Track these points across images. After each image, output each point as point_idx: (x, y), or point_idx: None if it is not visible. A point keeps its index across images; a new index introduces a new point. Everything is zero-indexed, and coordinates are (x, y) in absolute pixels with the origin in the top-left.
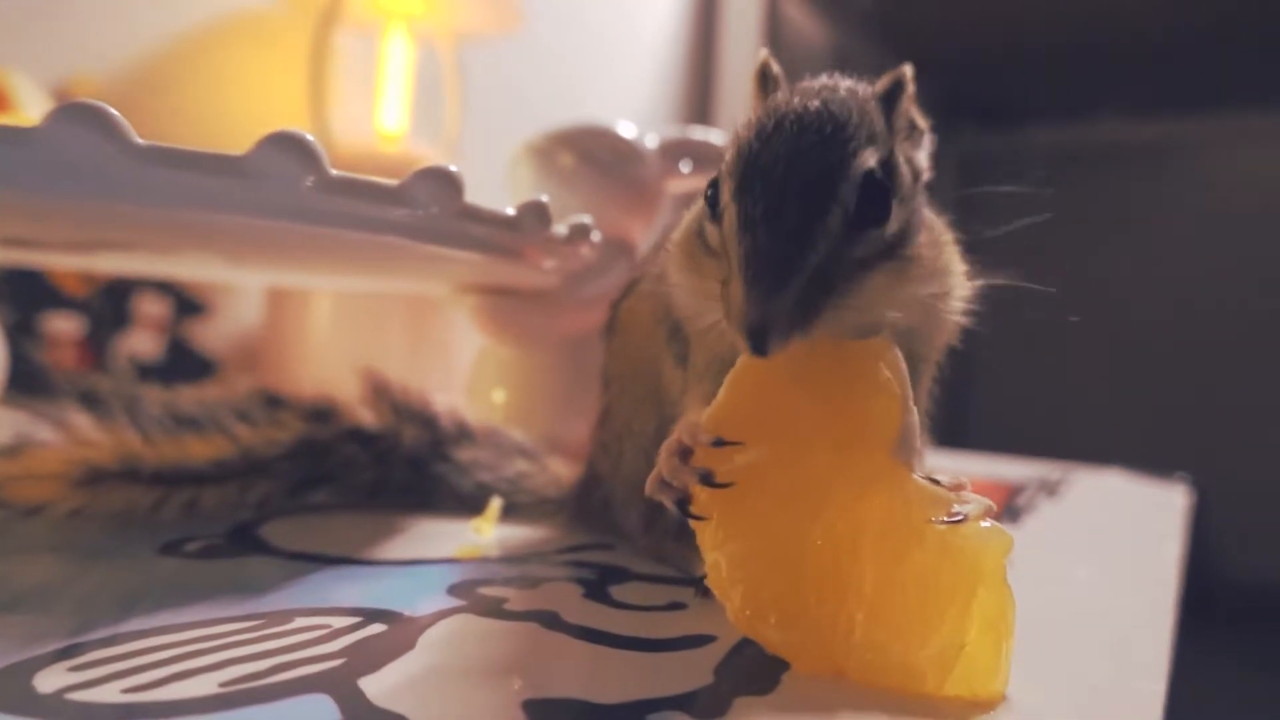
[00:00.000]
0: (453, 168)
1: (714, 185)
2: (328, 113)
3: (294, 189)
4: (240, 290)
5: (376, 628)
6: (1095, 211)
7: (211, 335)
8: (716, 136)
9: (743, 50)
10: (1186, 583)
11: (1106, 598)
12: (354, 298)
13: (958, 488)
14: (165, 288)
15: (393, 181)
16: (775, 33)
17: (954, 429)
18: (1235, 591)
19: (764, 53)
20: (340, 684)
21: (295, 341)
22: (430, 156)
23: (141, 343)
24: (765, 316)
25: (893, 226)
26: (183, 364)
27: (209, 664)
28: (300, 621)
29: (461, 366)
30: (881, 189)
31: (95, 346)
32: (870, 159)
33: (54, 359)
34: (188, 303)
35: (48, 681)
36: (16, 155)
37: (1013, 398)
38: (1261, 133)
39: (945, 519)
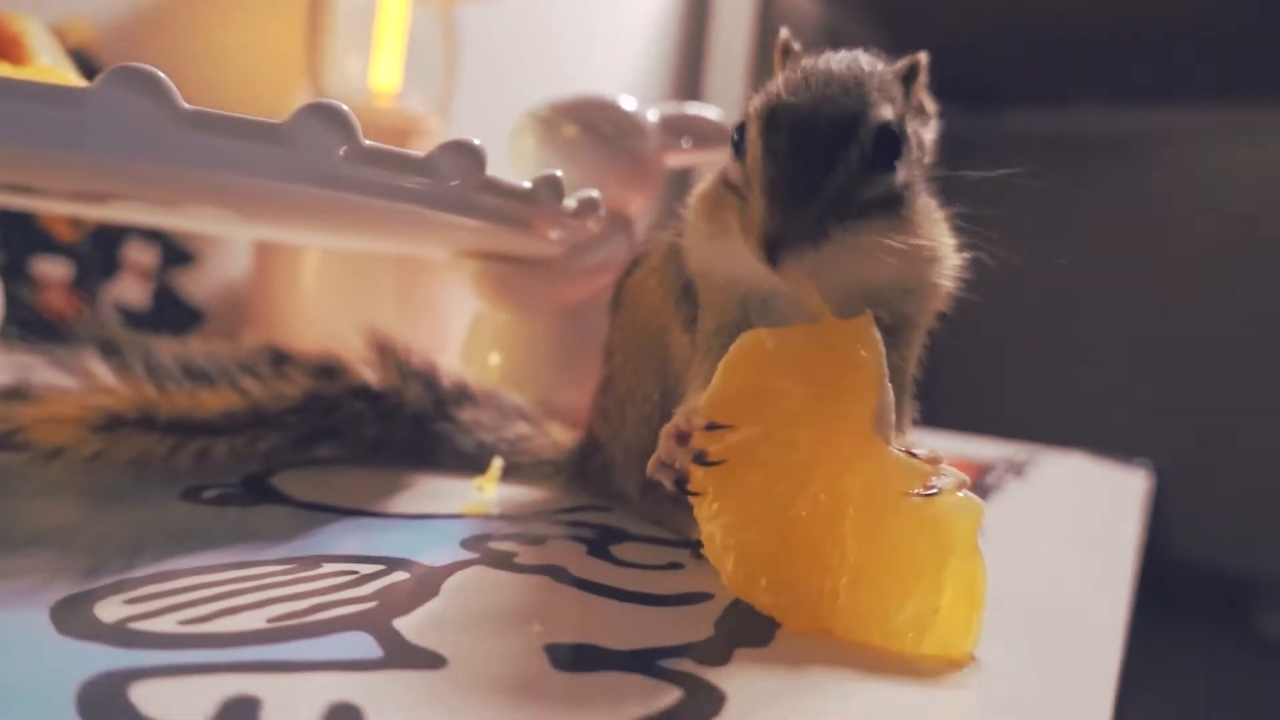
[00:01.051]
0: (476, 142)
1: (740, 128)
2: (322, 69)
3: (329, 157)
4: (229, 241)
5: (400, 575)
6: (1068, 197)
7: (198, 285)
8: (714, 113)
9: (736, 24)
10: (1143, 562)
11: (1069, 571)
12: (343, 254)
13: (934, 461)
14: (154, 236)
15: (420, 153)
16: (768, 8)
17: (925, 408)
18: (1187, 572)
19: (785, 31)
20: (377, 623)
21: (283, 295)
22: (424, 117)
23: (129, 290)
24: (782, 228)
25: (900, 178)
26: (169, 313)
27: (252, 602)
28: (328, 567)
29: (448, 327)
30: (894, 140)
31: (84, 292)
32: (887, 111)
33: (43, 303)
34: (176, 251)
35: (108, 612)
36: (69, 117)
37: (981, 380)
38: (1237, 126)
39: (921, 491)
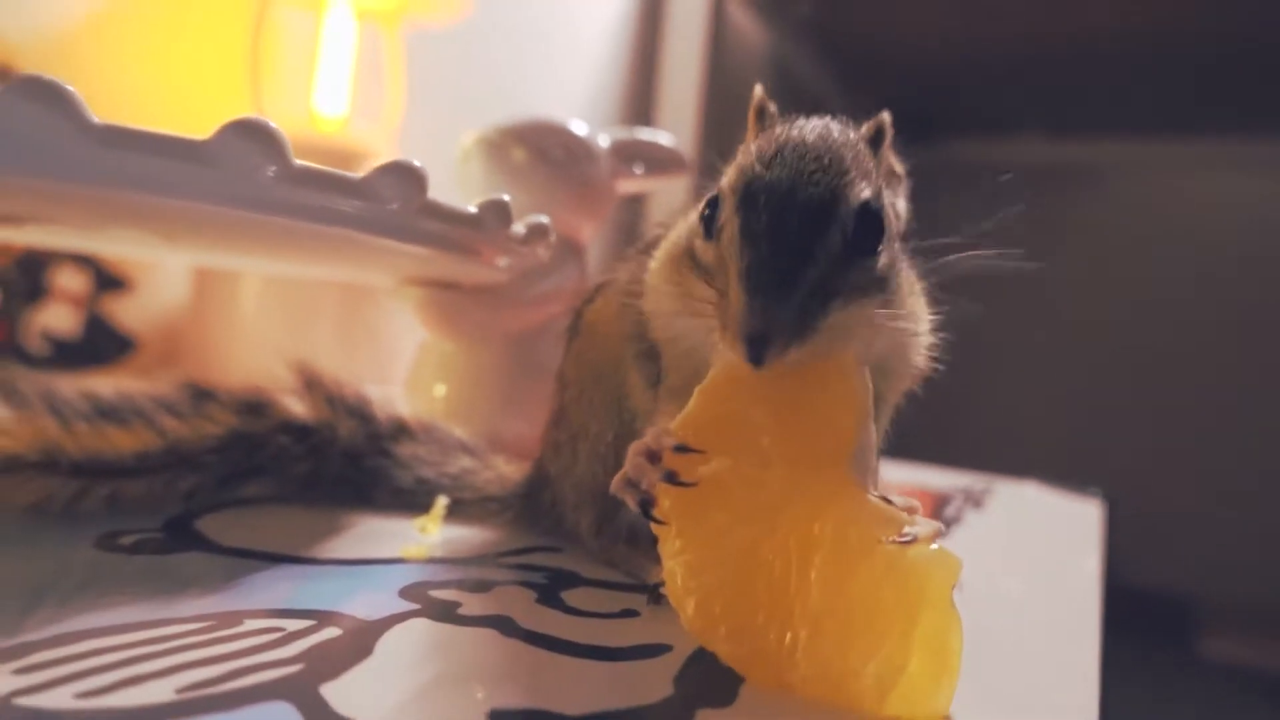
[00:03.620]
0: (417, 163)
1: (711, 204)
2: (266, 91)
3: (255, 178)
4: (164, 268)
5: (331, 631)
6: (1014, 228)
7: (132, 312)
8: (666, 138)
9: (686, 51)
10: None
11: (1036, 610)
12: (283, 281)
13: (910, 510)
14: (84, 261)
15: (356, 175)
16: (719, 35)
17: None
18: (1131, 596)
19: (759, 90)
20: (302, 692)
21: (220, 323)
22: (371, 141)
23: (57, 318)
24: (766, 326)
25: (882, 259)
26: (101, 342)
27: (162, 668)
28: (251, 624)
29: (392, 356)
30: (876, 220)
31: (7, 320)
32: (866, 191)
33: None
34: (108, 278)
35: None
36: None
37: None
38: (1182, 159)
39: (895, 539)
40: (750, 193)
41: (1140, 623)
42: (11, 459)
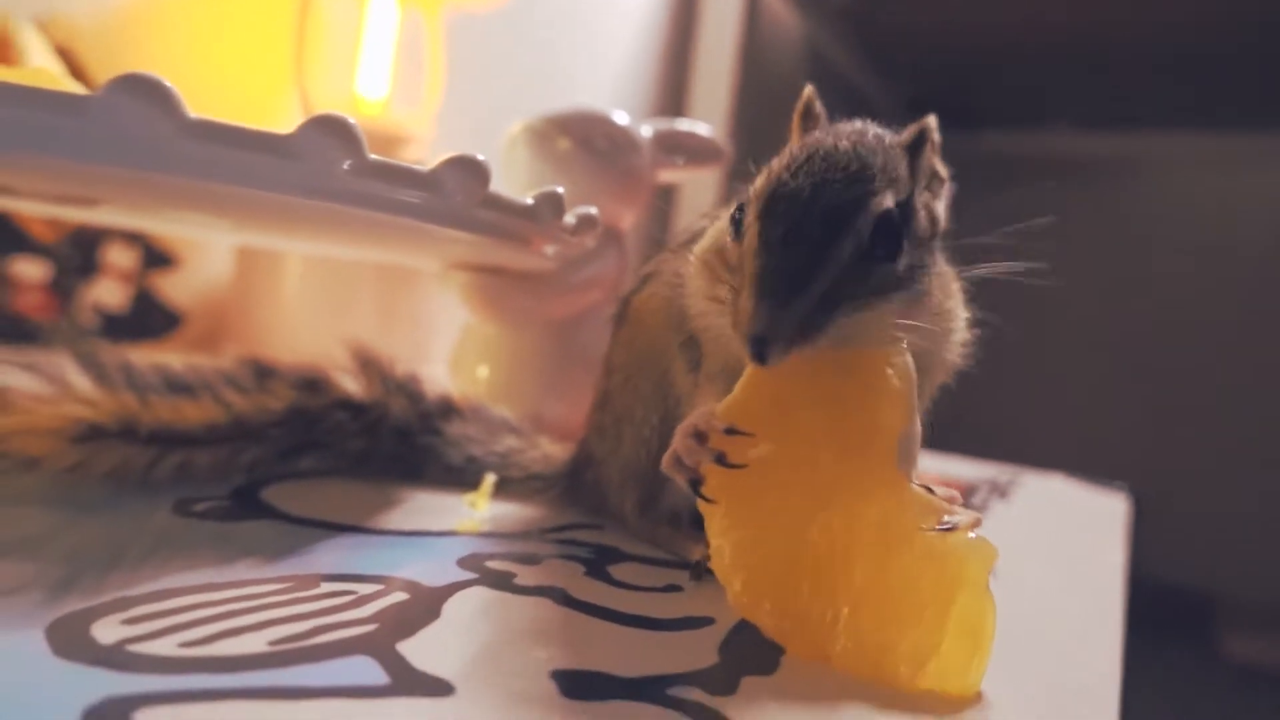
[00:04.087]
0: (481, 157)
1: (741, 208)
2: (310, 75)
3: (333, 171)
4: (210, 245)
5: (399, 595)
6: (1044, 221)
7: (178, 289)
8: (706, 129)
9: (720, 39)
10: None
11: (1061, 601)
12: (325, 260)
13: (951, 500)
14: (134, 238)
15: (425, 168)
16: (753, 24)
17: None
18: (1154, 593)
19: (809, 89)
20: (381, 647)
21: (264, 301)
22: (410, 126)
23: (108, 293)
24: (768, 327)
25: (903, 264)
26: (148, 317)
27: (253, 623)
28: (326, 586)
29: (430, 336)
30: (896, 228)
31: (61, 293)
32: (888, 200)
33: (19, 304)
34: (156, 254)
35: (106, 633)
36: (72, 125)
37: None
38: (1215, 152)
39: (936, 527)
40: (772, 200)
41: (1163, 620)
42: (94, 428)
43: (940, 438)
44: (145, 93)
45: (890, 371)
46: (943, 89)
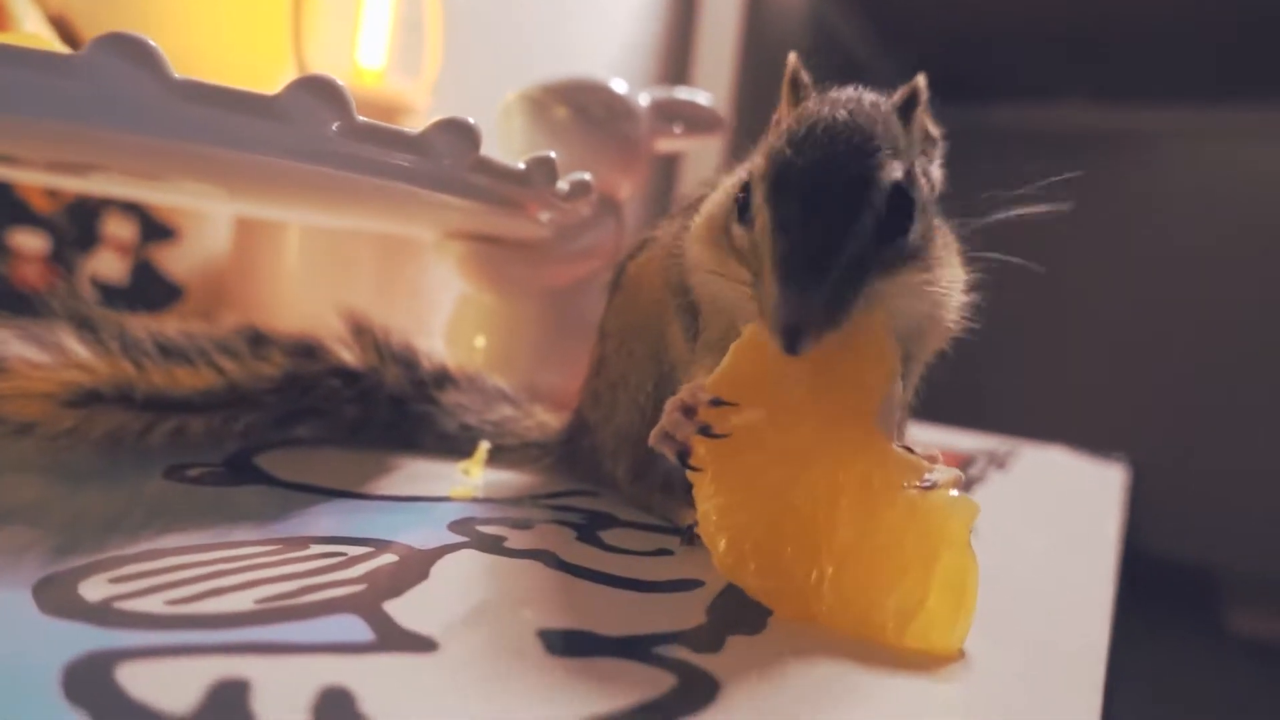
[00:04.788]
0: (471, 120)
1: (745, 189)
2: (307, 43)
3: (321, 132)
4: (209, 217)
5: (388, 557)
6: (1051, 193)
7: (178, 261)
8: (705, 98)
9: (723, 9)
10: (1123, 555)
11: (1054, 566)
12: (324, 231)
13: (931, 459)
14: (133, 209)
15: (414, 130)
16: None
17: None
18: (1159, 567)
19: (794, 58)
20: (368, 606)
21: (263, 272)
22: (409, 95)
23: (107, 264)
24: (800, 316)
25: (914, 236)
26: (148, 288)
27: (240, 582)
28: (316, 548)
29: (430, 307)
30: (907, 199)
31: (60, 265)
32: (897, 170)
33: (18, 275)
34: (155, 226)
35: (93, 590)
36: (57, 85)
37: (959, 372)
38: (1225, 126)
39: (917, 485)
40: (781, 180)
41: (1168, 595)
42: (90, 393)
43: (940, 410)
44: (130, 52)
45: (873, 342)
46: (951, 62)
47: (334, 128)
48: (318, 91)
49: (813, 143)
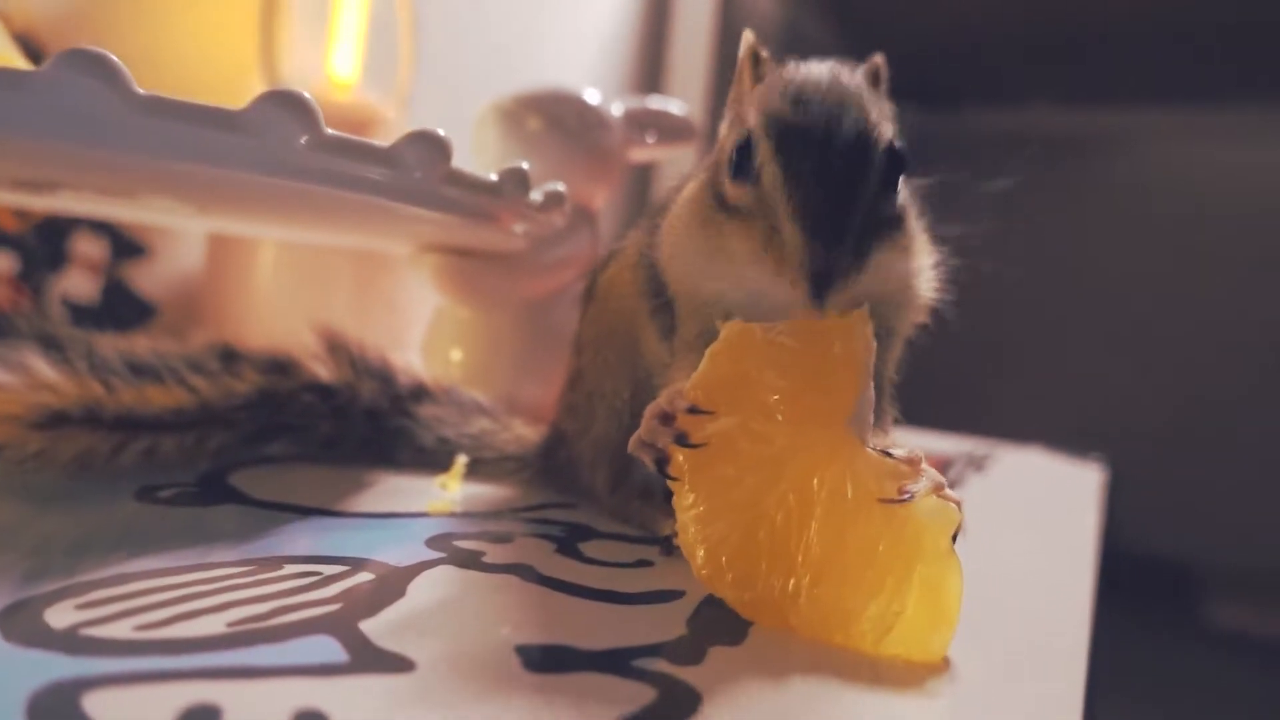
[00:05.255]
0: (442, 133)
1: (743, 148)
2: (278, 57)
3: (289, 146)
4: (182, 234)
5: (364, 575)
6: (1023, 196)
7: (150, 279)
8: (678, 107)
9: (696, 20)
10: (1101, 553)
11: (1033, 570)
12: (299, 247)
13: (913, 463)
14: (103, 228)
15: (384, 143)
16: (729, 4)
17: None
18: (1137, 563)
19: (749, 35)
20: (342, 626)
21: (237, 290)
22: (382, 107)
23: (77, 284)
24: (826, 264)
25: (901, 196)
26: (120, 308)
27: (212, 605)
28: (290, 568)
29: (407, 322)
30: (899, 157)
31: (30, 285)
32: (889, 130)
33: None
34: (126, 244)
35: (59, 618)
36: (16, 100)
37: (936, 374)
38: (1193, 127)
39: (893, 497)
40: (787, 135)
41: (1146, 589)
42: (58, 414)
43: (918, 412)
44: (91, 67)
45: (847, 342)
46: (922, 68)
47: (302, 141)
48: (285, 105)
49: (810, 102)
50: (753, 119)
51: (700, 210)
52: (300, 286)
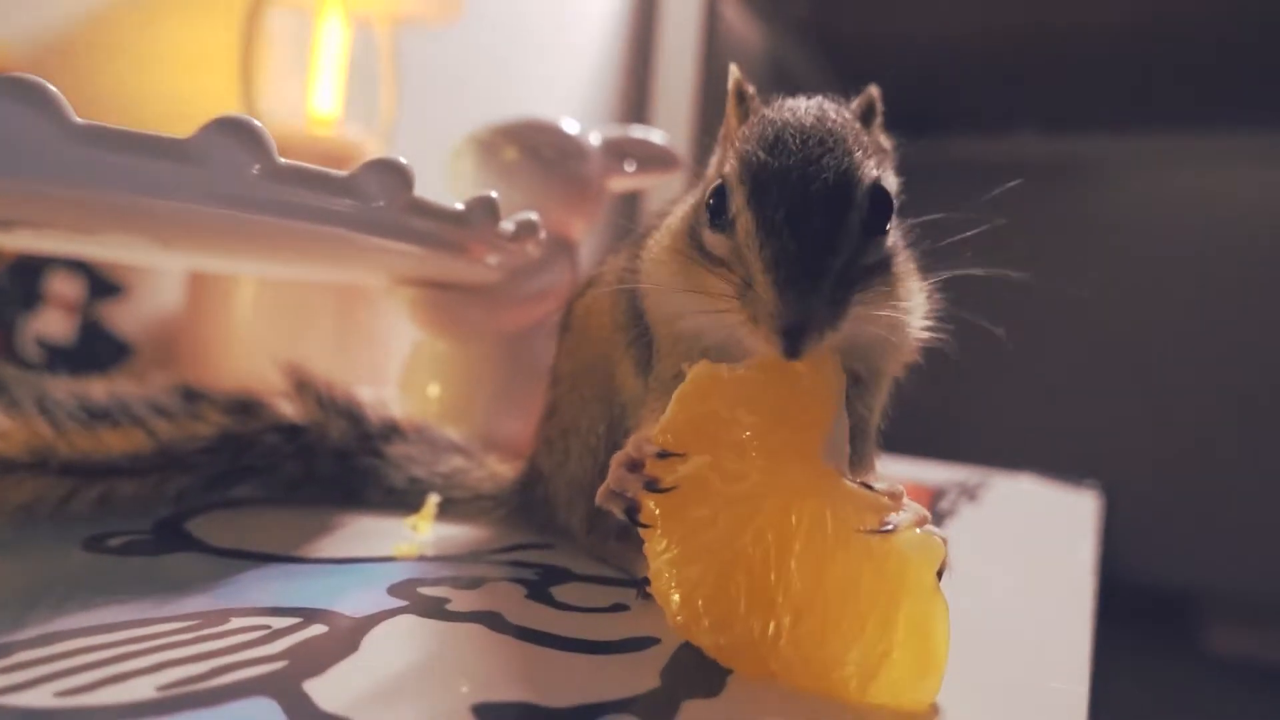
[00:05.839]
0: (403, 160)
1: (717, 195)
2: (258, 93)
3: (240, 176)
4: (159, 272)
5: (317, 628)
6: (1009, 224)
7: (127, 318)
8: (657, 136)
9: (680, 51)
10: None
11: (1029, 600)
12: (279, 284)
13: (894, 496)
14: (79, 266)
15: (341, 172)
16: (713, 35)
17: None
18: (1134, 590)
19: (735, 70)
20: (284, 687)
21: (216, 328)
22: (364, 143)
23: (52, 324)
24: (801, 316)
25: (890, 238)
26: (96, 347)
27: (145, 666)
28: (237, 622)
29: (388, 358)
30: (886, 198)
31: (2, 327)
32: (874, 169)
33: None
34: (102, 283)
35: None
36: None
37: (926, 402)
38: (1177, 153)
39: (874, 529)
40: (761, 182)
41: (1144, 616)
42: (3, 461)
43: (910, 441)
44: (25, 96)
45: (816, 374)
46: (906, 97)
47: (254, 170)
48: (234, 133)
49: (787, 145)
50: (729, 164)
51: (681, 247)
52: (279, 323)
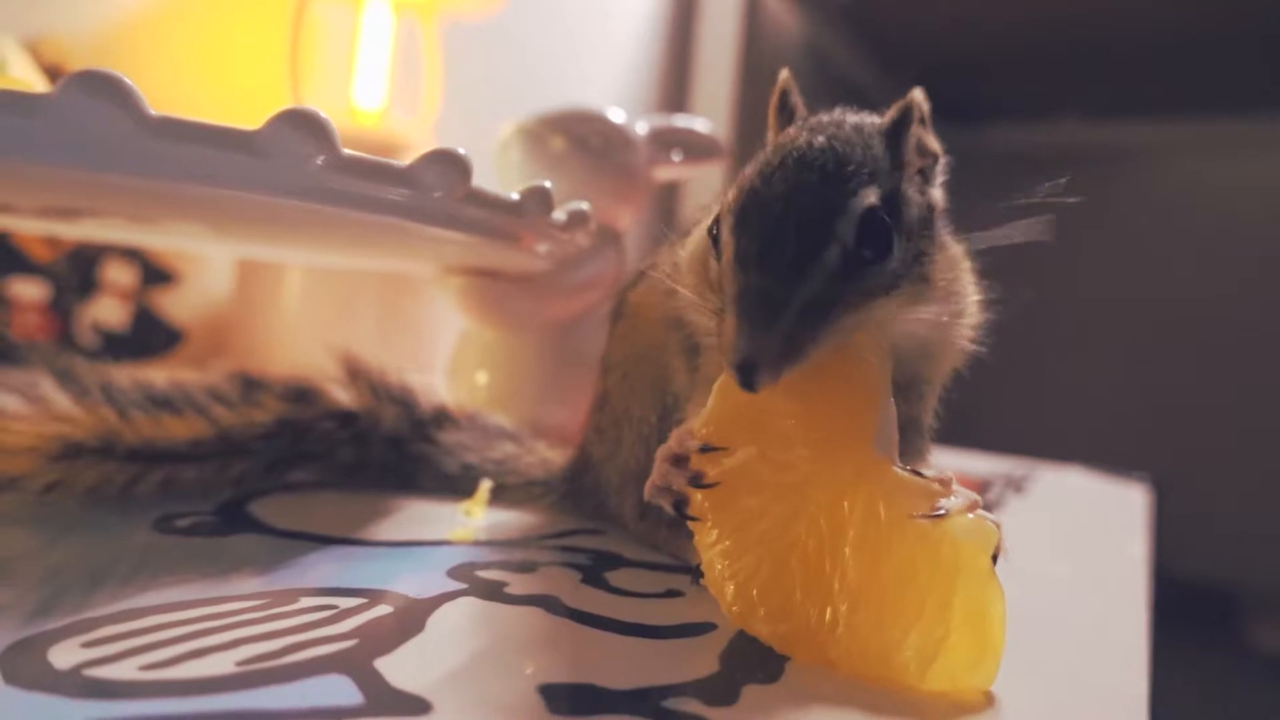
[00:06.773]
0: (461, 151)
1: (717, 221)
2: (305, 85)
3: (305, 167)
4: (210, 260)
5: (383, 609)
6: (1058, 212)
7: (179, 305)
8: (703, 124)
9: (721, 39)
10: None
11: (1082, 595)
12: (326, 272)
13: (944, 482)
14: (133, 255)
15: (402, 163)
16: (753, 24)
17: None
18: (1178, 585)
19: (785, 75)
20: (357, 665)
21: (265, 315)
22: (408, 134)
23: (107, 311)
24: (754, 353)
25: (896, 260)
26: (149, 334)
27: (222, 642)
28: (306, 601)
29: (432, 346)
30: (883, 225)
31: (60, 313)
32: (871, 196)
33: (17, 325)
34: (155, 271)
35: (63, 657)
36: (27, 125)
37: (973, 393)
38: (1224, 139)
39: (926, 513)
40: (745, 214)
41: (1187, 612)
42: (73, 445)
43: (956, 433)
44: (102, 90)
45: (860, 364)
46: (946, 85)
47: (318, 162)
48: (300, 125)
49: (781, 173)
50: (729, 192)
51: (698, 268)
52: (327, 310)
